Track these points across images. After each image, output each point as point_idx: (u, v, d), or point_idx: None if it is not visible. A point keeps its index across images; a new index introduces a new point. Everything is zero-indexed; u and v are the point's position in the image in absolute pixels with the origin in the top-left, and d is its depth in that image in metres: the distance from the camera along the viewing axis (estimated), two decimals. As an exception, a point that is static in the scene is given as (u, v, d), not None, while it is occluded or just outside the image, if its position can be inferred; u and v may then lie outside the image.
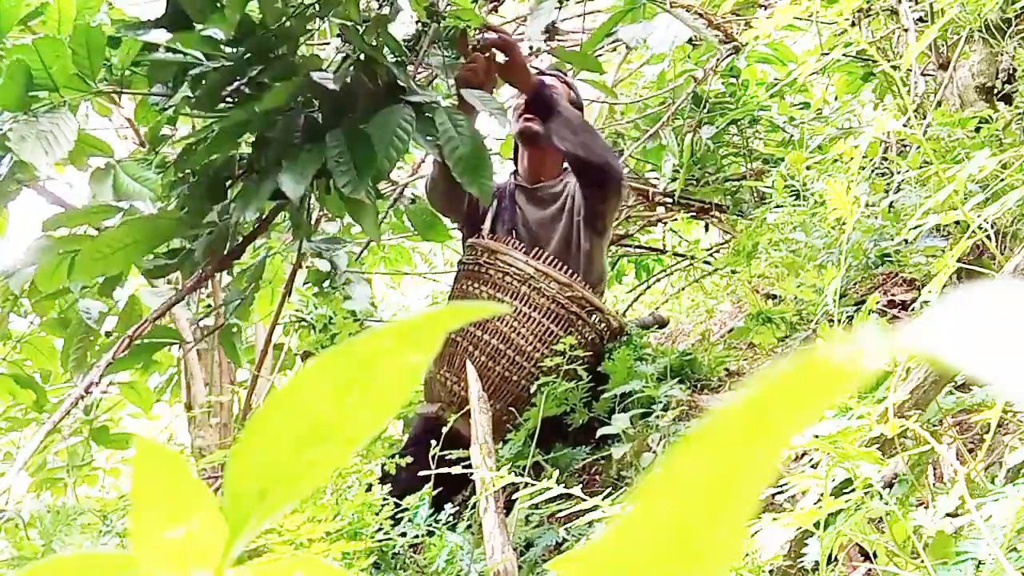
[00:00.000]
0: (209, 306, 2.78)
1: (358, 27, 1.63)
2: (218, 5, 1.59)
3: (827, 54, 2.56)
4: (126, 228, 1.66)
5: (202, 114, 1.68)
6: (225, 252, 1.74)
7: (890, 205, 2.17)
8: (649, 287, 3.91)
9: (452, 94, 1.94)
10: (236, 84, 1.59)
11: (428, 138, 1.64)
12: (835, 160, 2.24)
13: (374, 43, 1.65)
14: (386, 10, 1.69)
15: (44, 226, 1.85)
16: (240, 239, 1.79)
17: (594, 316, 2.05)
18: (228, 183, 1.74)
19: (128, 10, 1.54)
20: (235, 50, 1.56)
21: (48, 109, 1.56)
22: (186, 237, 1.72)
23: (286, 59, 1.60)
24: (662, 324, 2.56)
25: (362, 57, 1.68)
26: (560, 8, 1.95)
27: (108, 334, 2.27)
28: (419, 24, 1.81)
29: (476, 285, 2.09)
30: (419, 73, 1.87)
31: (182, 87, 1.62)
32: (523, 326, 2.00)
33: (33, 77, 1.53)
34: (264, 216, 1.81)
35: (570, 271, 2.06)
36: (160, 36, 1.49)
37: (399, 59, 1.77)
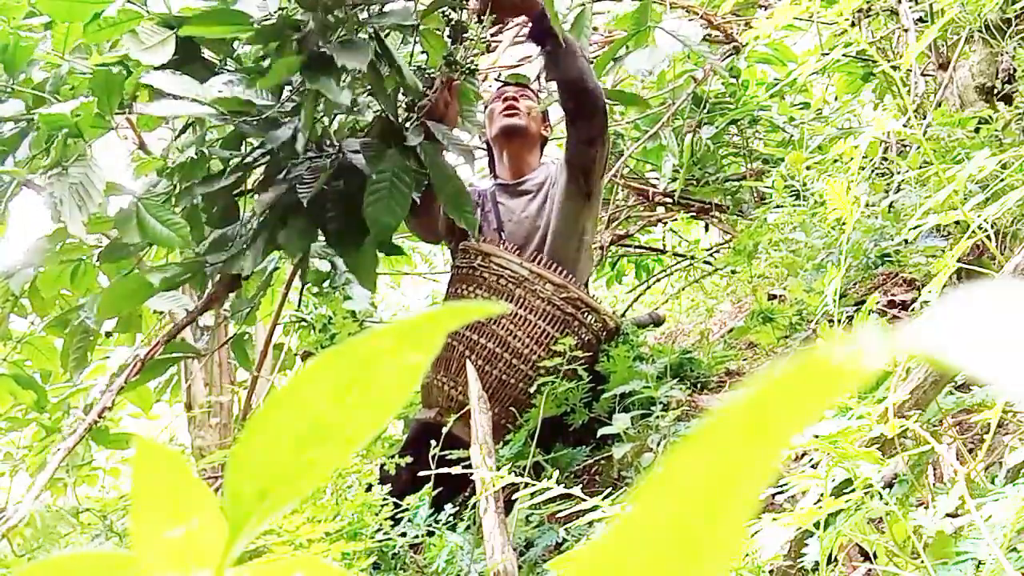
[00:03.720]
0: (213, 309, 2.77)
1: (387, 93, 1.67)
2: (231, 47, 1.62)
3: (827, 54, 2.56)
4: (147, 275, 1.70)
5: (217, 153, 1.71)
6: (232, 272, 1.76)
7: (890, 205, 2.17)
8: (649, 287, 3.91)
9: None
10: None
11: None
12: (835, 160, 2.24)
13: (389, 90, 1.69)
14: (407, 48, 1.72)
15: (51, 239, 1.87)
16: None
17: (590, 316, 2.04)
18: (236, 196, 1.76)
19: (141, 57, 1.55)
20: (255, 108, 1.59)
21: (76, 157, 1.59)
22: (203, 259, 1.75)
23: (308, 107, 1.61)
24: (658, 323, 2.56)
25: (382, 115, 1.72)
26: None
27: (108, 334, 2.26)
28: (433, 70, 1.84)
29: (470, 288, 2.08)
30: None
31: (190, 132, 1.67)
32: (519, 328, 1.99)
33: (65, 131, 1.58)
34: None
35: (562, 268, 2.06)
36: (175, 85, 1.50)
37: (410, 103, 1.80)
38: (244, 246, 1.70)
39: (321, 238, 2.24)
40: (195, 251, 1.76)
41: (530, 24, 2.07)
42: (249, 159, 1.67)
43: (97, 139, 1.63)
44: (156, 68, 1.55)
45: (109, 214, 1.77)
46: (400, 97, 1.81)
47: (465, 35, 1.81)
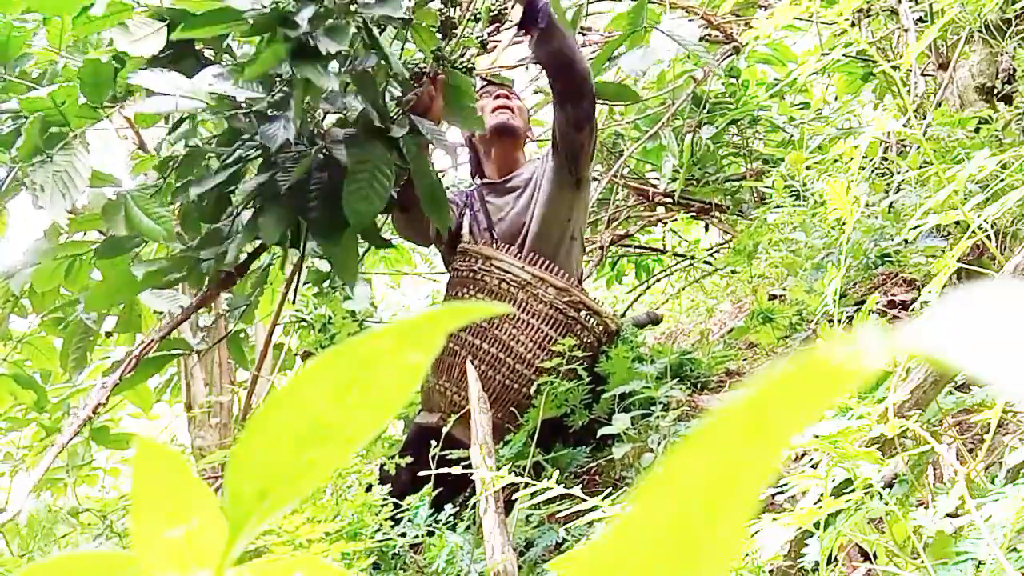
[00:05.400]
0: (211, 308, 2.77)
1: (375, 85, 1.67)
2: (225, 43, 1.62)
3: (827, 54, 2.56)
4: (133, 269, 1.70)
5: (212, 151, 1.70)
6: (229, 269, 1.76)
7: (890, 205, 2.17)
8: (649, 287, 3.91)
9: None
10: (245, 139, 1.62)
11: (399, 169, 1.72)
12: (835, 160, 2.24)
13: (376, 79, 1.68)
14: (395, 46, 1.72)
15: (47, 234, 1.87)
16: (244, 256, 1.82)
17: (592, 319, 2.03)
18: (229, 202, 1.76)
19: (131, 49, 1.54)
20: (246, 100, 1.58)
21: (61, 146, 1.58)
22: (192, 253, 1.75)
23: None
24: (656, 321, 2.56)
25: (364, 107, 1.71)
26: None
27: (108, 334, 2.26)
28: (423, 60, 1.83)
29: (471, 292, 2.05)
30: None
31: (185, 124, 1.66)
32: (522, 333, 1.97)
33: (47, 120, 1.56)
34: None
35: (552, 265, 2.04)
36: (163, 83, 1.49)
37: (397, 98, 1.80)
38: (228, 239, 1.70)
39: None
40: (187, 245, 1.76)
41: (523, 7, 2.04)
42: (242, 152, 1.67)
43: (86, 129, 1.62)
44: (148, 63, 1.55)
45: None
46: (389, 91, 1.81)
47: (455, 31, 1.81)
